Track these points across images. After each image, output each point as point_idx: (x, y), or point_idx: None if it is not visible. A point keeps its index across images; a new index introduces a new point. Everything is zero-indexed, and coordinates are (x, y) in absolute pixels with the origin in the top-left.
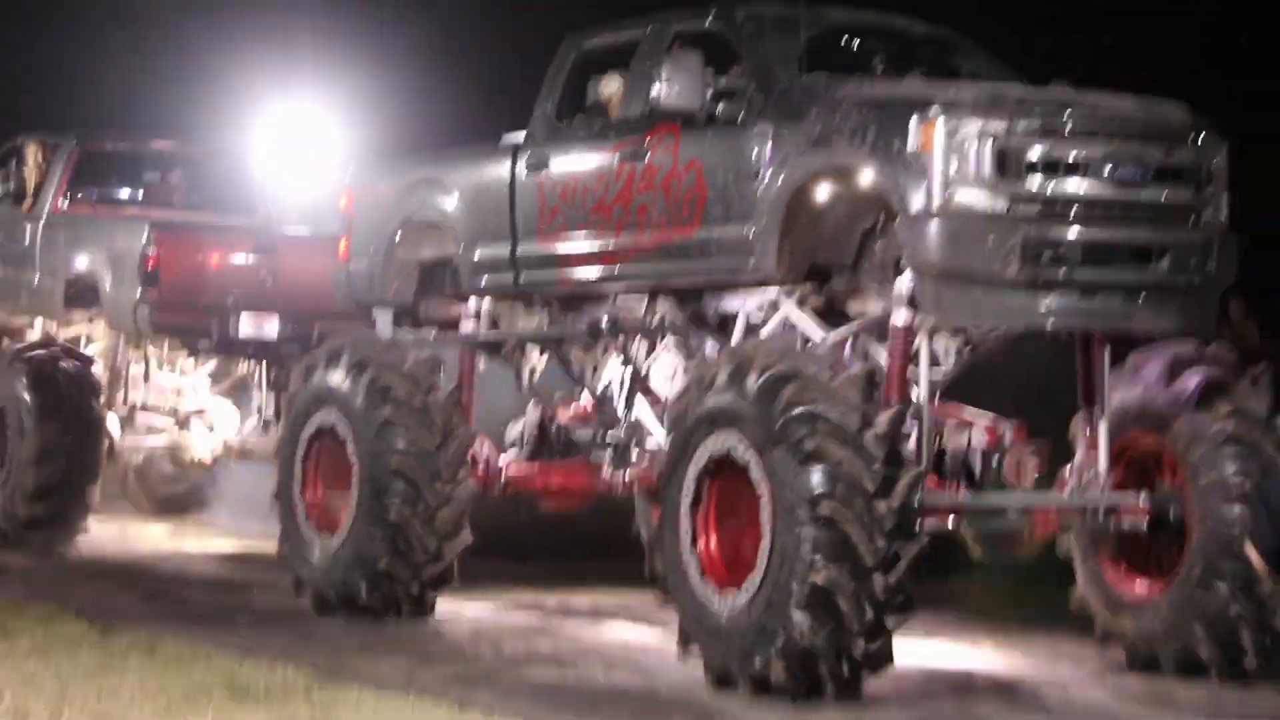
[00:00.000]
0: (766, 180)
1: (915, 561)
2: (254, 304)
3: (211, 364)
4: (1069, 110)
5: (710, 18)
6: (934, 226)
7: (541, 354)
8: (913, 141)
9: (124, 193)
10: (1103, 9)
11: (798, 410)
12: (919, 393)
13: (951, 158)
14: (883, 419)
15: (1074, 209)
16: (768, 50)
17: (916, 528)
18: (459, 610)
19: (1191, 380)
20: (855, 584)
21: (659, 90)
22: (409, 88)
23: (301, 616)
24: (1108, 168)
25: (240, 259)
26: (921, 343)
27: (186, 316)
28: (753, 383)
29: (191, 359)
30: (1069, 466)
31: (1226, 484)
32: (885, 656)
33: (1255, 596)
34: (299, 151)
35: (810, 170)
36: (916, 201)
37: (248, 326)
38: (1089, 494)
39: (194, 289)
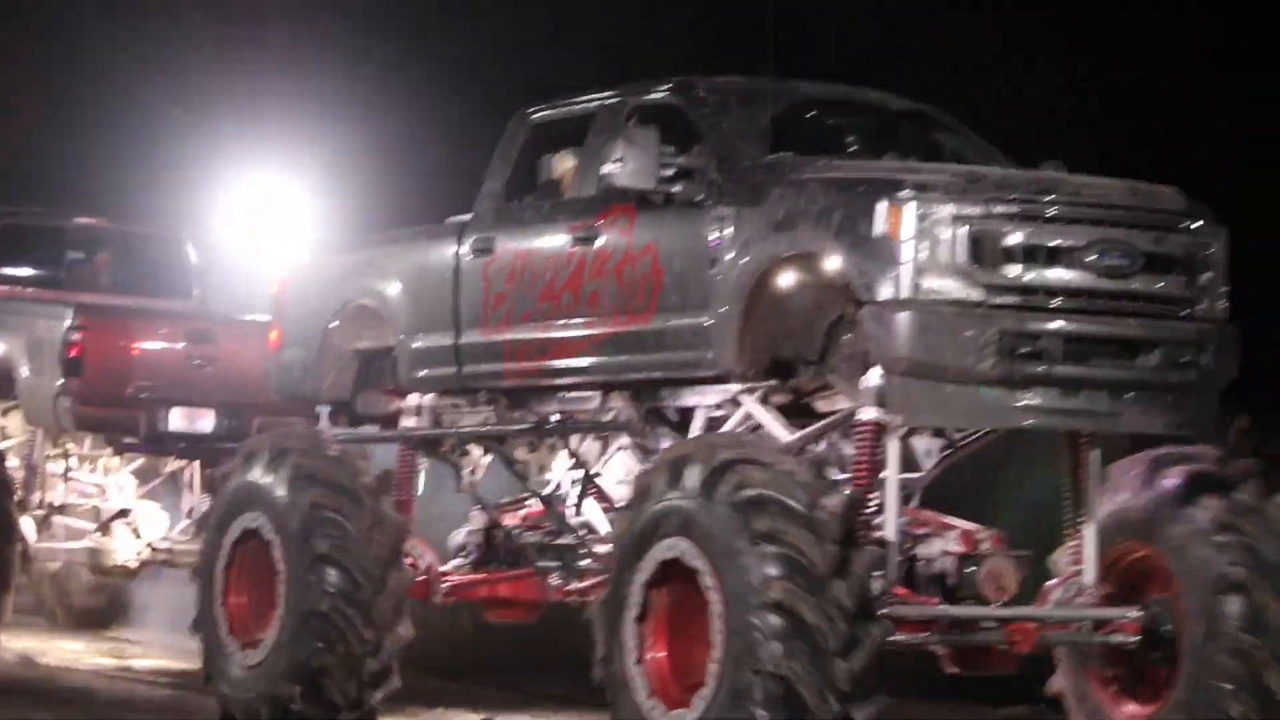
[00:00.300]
0: (726, 266)
1: (878, 650)
2: (187, 396)
3: (138, 462)
4: (1051, 194)
5: (669, 91)
6: (902, 318)
7: (485, 454)
8: (880, 226)
9: (46, 273)
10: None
11: (742, 495)
12: (889, 493)
13: (922, 244)
14: (835, 499)
15: (1055, 300)
16: (730, 127)
17: (877, 610)
18: None
19: (1173, 477)
20: (816, 673)
21: (611, 169)
22: (389, 157)
23: None
24: (1092, 256)
25: (172, 347)
26: (890, 441)
27: (111, 409)
28: (694, 477)
29: (116, 457)
30: (1054, 579)
31: (1218, 575)
32: None
33: (1259, 691)
34: (268, 227)
35: (772, 256)
36: (884, 290)
37: (179, 421)
38: (1074, 608)
39: (120, 379)
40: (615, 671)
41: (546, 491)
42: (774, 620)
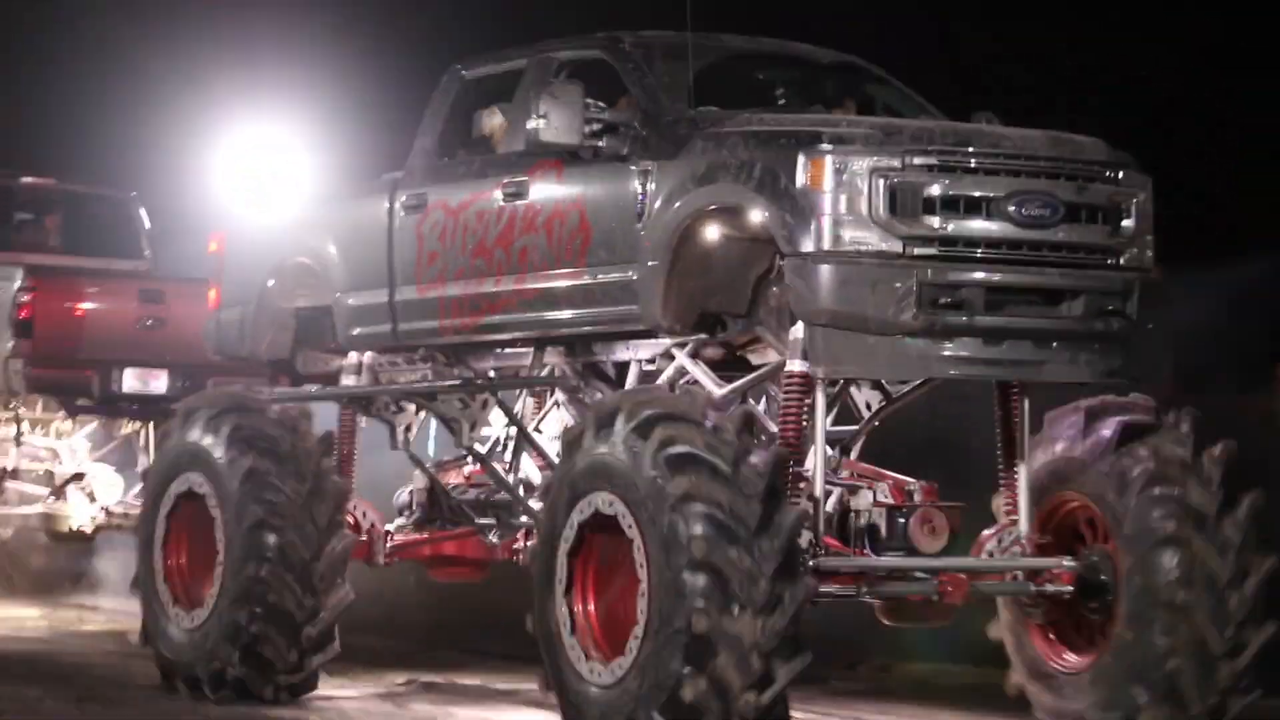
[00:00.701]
0: (651, 221)
1: (801, 608)
2: (139, 357)
3: (92, 425)
4: (970, 145)
5: (596, 45)
6: (822, 270)
7: (418, 412)
8: (800, 178)
9: None
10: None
11: (666, 451)
12: (816, 445)
13: (841, 196)
14: (761, 455)
15: (976, 250)
16: (655, 81)
17: (802, 568)
18: (337, 694)
19: (1108, 428)
20: (739, 630)
21: (535, 124)
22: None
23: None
24: (1012, 206)
25: (123, 307)
26: (818, 393)
27: (64, 371)
28: (620, 432)
29: (69, 420)
30: (989, 529)
31: (1152, 530)
32: (777, 713)
33: (1193, 645)
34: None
35: (695, 209)
36: (804, 243)
37: (132, 382)
38: (1007, 558)
39: (72, 340)
40: (548, 625)
41: (484, 449)
42: (697, 578)
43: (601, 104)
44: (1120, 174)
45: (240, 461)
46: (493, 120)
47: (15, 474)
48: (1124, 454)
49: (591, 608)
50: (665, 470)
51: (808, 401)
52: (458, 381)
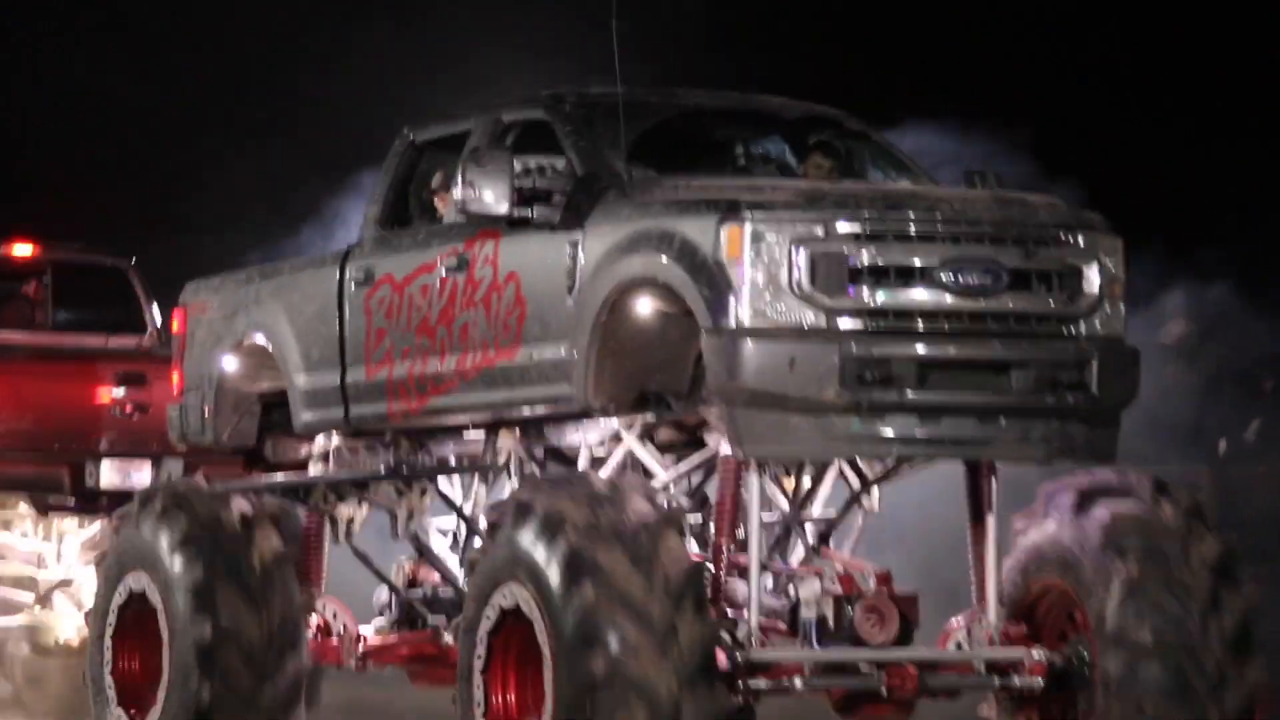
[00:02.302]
0: (580, 294)
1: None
2: (119, 448)
3: (96, 527)
4: (903, 210)
5: (540, 105)
6: (739, 346)
7: (361, 503)
8: (717, 248)
9: None
10: None
11: (575, 561)
12: (753, 536)
13: (759, 267)
14: (677, 567)
15: (908, 323)
16: (594, 143)
17: (713, 683)
18: None
19: (1098, 514)
20: None
21: (462, 194)
22: None
23: None
24: (948, 275)
25: (98, 392)
26: (751, 478)
27: (31, 467)
28: (533, 528)
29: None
30: (957, 618)
31: (1132, 640)
32: None
33: None
34: None
35: (618, 282)
36: (721, 318)
37: (111, 476)
38: (973, 650)
39: (38, 430)
40: (467, 706)
41: (446, 540)
42: (601, 694)
43: (548, 166)
44: (1079, 236)
45: (188, 573)
46: (438, 186)
47: None
48: (1111, 548)
49: (509, 697)
50: (573, 579)
51: (741, 488)
52: (382, 471)
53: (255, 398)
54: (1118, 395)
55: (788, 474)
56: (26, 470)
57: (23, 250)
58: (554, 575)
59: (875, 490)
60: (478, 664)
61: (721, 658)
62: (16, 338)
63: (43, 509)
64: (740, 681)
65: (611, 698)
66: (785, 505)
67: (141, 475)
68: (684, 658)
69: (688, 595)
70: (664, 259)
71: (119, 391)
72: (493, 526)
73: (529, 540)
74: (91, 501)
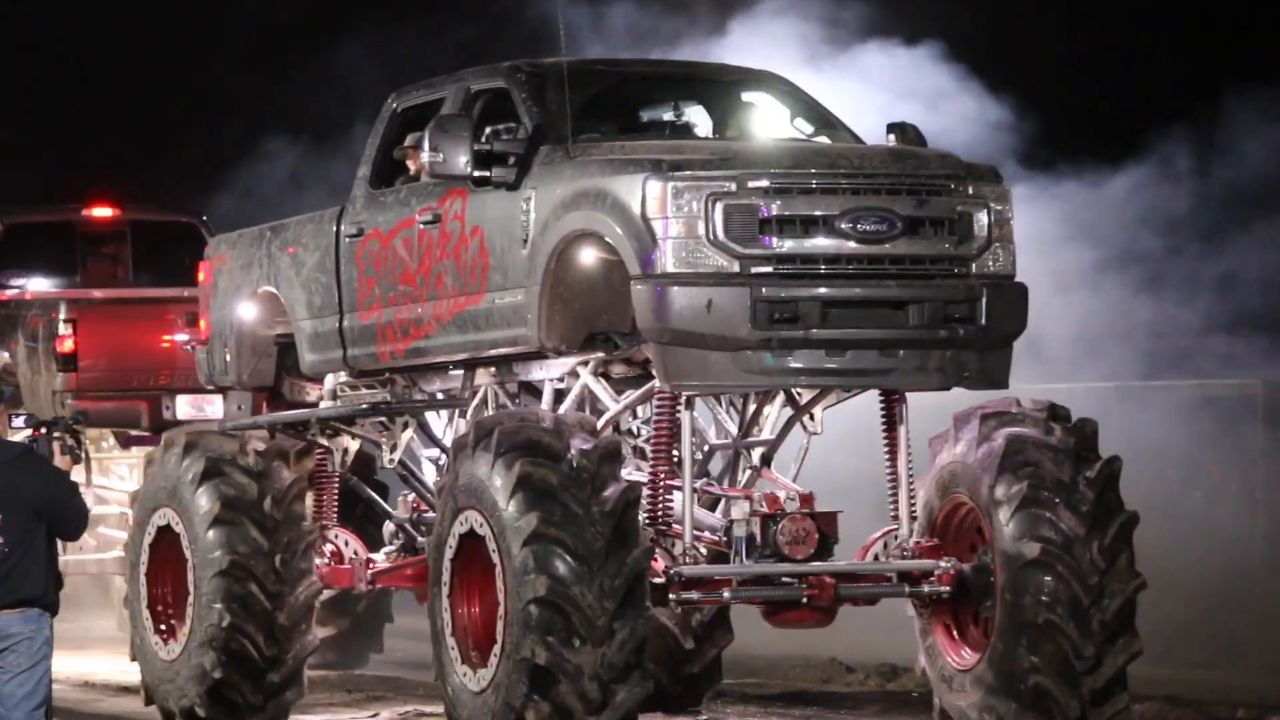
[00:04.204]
0: (531, 246)
1: (644, 640)
2: (192, 383)
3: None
4: (806, 166)
5: (500, 75)
6: (661, 291)
7: (354, 438)
8: (640, 204)
9: (57, 270)
10: None
11: (524, 487)
12: (686, 462)
13: (679, 220)
14: (614, 491)
15: (813, 266)
16: (545, 108)
17: (642, 602)
18: None
19: (997, 438)
20: (578, 663)
21: (426, 157)
22: None
23: None
24: (847, 223)
25: (172, 333)
26: (682, 411)
27: (113, 403)
28: (488, 457)
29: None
30: (874, 533)
31: (1022, 551)
32: None
33: (1057, 662)
34: None
35: (564, 235)
36: (647, 265)
37: (186, 409)
38: (888, 561)
39: (122, 372)
40: (436, 622)
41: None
42: (541, 613)
43: (510, 128)
44: (969, 185)
45: (208, 505)
46: (412, 149)
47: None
48: (1006, 469)
49: (472, 610)
50: (520, 504)
51: (676, 419)
52: (364, 406)
53: (272, 341)
54: (1007, 327)
55: (733, 405)
56: (109, 407)
57: (103, 212)
58: (502, 499)
59: (819, 417)
60: (444, 585)
61: (658, 572)
62: (100, 292)
63: (125, 442)
64: (673, 594)
65: (551, 612)
66: (735, 431)
67: (214, 407)
68: (616, 575)
69: (621, 517)
70: (599, 214)
71: (188, 331)
72: (455, 453)
73: (483, 468)
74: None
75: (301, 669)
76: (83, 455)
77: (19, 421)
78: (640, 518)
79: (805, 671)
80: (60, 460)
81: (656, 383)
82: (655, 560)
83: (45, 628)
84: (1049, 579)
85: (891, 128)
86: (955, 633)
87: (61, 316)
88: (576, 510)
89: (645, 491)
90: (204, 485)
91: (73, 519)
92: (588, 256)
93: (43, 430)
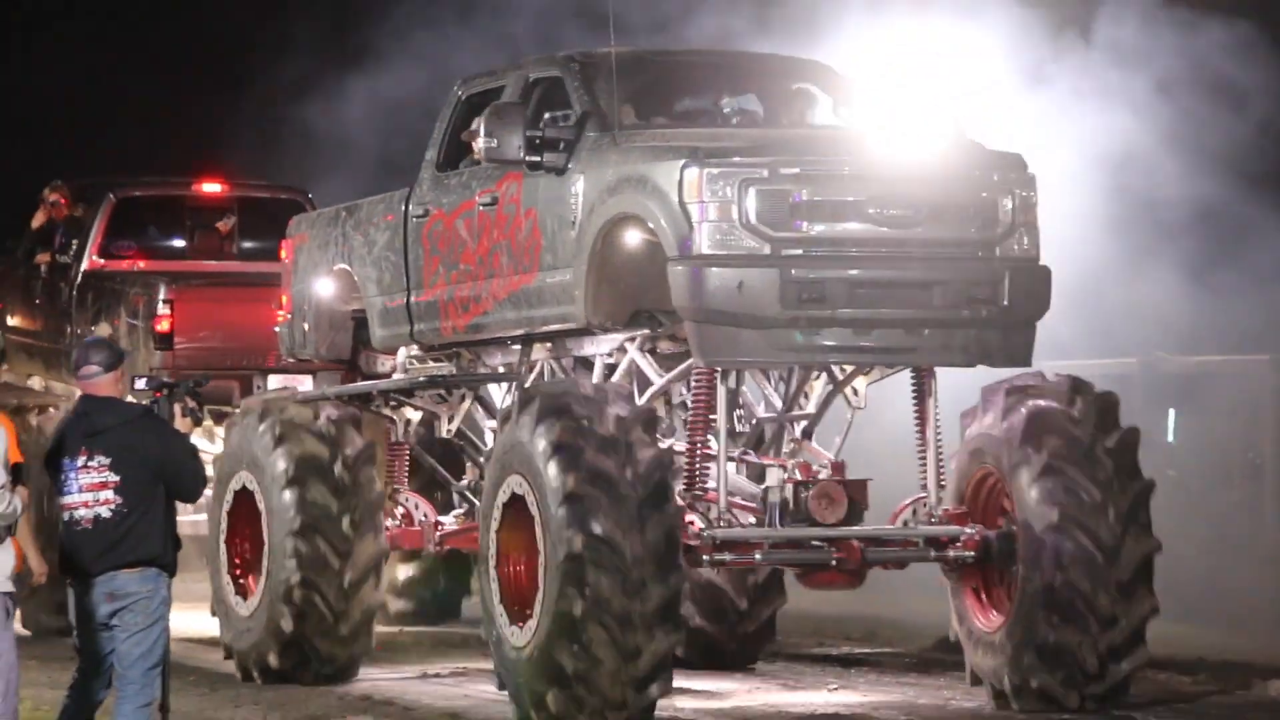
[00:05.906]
0: (579, 228)
1: (676, 591)
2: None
3: None
4: (837, 155)
5: (555, 65)
6: (697, 272)
7: (415, 409)
8: (678, 189)
9: (166, 244)
10: None
11: (561, 450)
12: (720, 434)
13: (714, 205)
14: (646, 457)
15: (841, 249)
16: (594, 97)
17: (675, 560)
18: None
19: (1023, 411)
20: (612, 616)
21: (482, 143)
22: None
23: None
24: (874, 209)
25: (266, 313)
26: (719, 383)
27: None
28: (529, 422)
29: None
30: (905, 500)
31: (1041, 516)
32: (658, 683)
33: (1076, 619)
34: None
35: (608, 218)
36: (683, 248)
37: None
38: (916, 528)
39: (213, 350)
40: (486, 597)
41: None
42: (577, 568)
43: (564, 115)
44: (994, 173)
45: (282, 468)
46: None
47: None
48: (1030, 440)
49: (517, 569)
50: (559, 466)
51: (714, 393)
52: (423, 379)
53: (348, 316)
54: (1029, 308)
55: (782, 380)
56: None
57: (212, 188)
58: (542, 461)
59: (862, 391)
60: (491, 553)
61: (694, 535)
62: (206, 266)
63: (217, 421)
64: (706, 556)
65: (587, 566)
66: (780, 405)
67: (304, 387)
68: (651, 535)
69: (654, 481)
70: (641, 198)
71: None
72: (501, 422)
73: (525, 433)
74: None
75: (370, 624)
76: (203, 418)
77: (141, 383)
78: (678, 484)
79: (855, 632)
80: (180, 423)
81: (694, 359)
82: (692, 524)
83: (163, 588)
84: (1068, 542)
85: (923, 117)
86: (984, 596)
87: (161, 297)
88: (612, 472)
89: (684, 460)
90: (279, 449)
91: (189, 481)
92: (631, 238)
93: (164, 392)
